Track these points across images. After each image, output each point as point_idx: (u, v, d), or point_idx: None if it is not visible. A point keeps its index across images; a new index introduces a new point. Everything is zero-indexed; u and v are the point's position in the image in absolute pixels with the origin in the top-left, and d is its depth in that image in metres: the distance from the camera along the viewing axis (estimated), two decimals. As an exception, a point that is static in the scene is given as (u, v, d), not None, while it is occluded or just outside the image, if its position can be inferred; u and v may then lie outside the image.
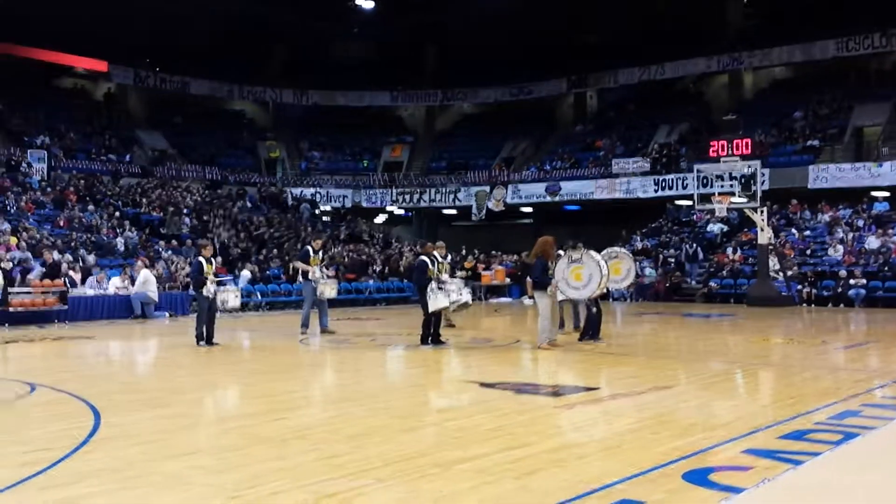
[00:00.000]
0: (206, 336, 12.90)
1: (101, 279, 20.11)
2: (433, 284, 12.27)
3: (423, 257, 13.15)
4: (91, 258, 21.92)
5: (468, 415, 7.07)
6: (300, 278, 16.11)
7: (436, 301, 12.15)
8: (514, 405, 7.49)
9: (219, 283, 13.54)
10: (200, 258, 13.16)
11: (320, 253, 15.91)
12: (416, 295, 14.45)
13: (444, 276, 13.44)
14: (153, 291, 19.68)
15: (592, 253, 11.86)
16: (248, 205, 33.82)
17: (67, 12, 32.70)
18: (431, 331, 12.51)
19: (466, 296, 12.96)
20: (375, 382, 9.81)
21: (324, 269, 15.93)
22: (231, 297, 13.64)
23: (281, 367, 11.07)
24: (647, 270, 26.69)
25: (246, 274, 23.77)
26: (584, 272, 11.65)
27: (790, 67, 36.67)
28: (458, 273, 17.14)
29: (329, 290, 15.20)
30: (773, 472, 4.83)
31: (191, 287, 16.52)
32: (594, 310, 12.82)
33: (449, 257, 16.14)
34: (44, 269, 19.05)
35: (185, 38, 36.41)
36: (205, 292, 12.86)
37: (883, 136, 30.36)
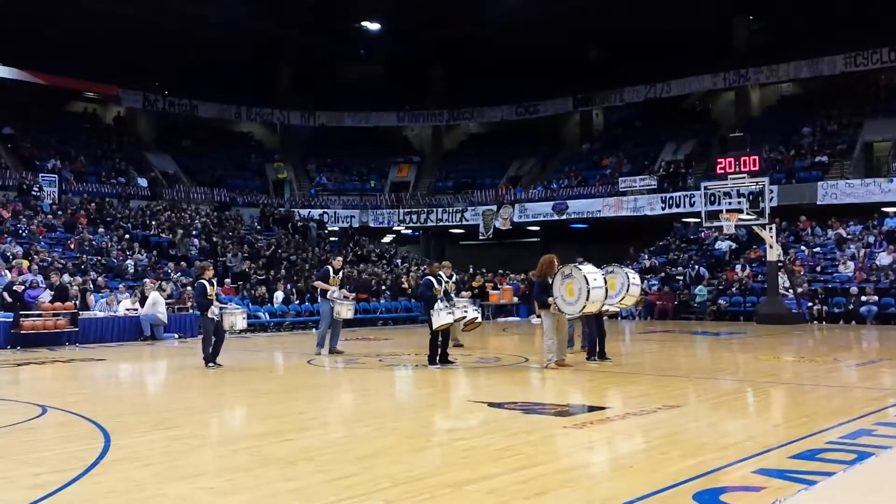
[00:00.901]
0: (212, 356, 12.91)
1: (111, 301, 20.19)
2: (439, 303, 12.28)
3: (429, 277, 13.13)
4: (150, 282, 21.97)
5: (477, 435, 7.05)
6: (319, 297, 15.96)
7: (439, 318, 12.15)
8: (522, 425, 7.46)
9: (222, 305, 13.57)
10: (203, 280, 13.12)
11: (340, 273, 15.78)
12: (424, 315, 14.43)
13: (452, 296, 13.42)
14: (162, 313, 19.72)
15: (582, 267, 11.84)
16: (258, 226, 33.98)
17: (78, 37, 33.07)
18: (439, 350, 12.49)
19: (473, 312, 12.99)
20: (384, 403, 9.80)
21: (344, 290, 15.83)
22: (239, 319, 13.63)
23: (289, 388, 11.07)
24: (698, 288, 26.11)
25: (279, 294, 24.49)
26: (574, 287, 11.64)
27: (798, 83, 36.73)
28: (464, 293, 17.07)
29: (346, 310, 15.11)
30: (785, 493, 4.78)
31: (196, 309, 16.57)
32: (598, 328, 12.75)
33: (454, 277, 16.14)
34: (52, 293, 19.11)
35: (194, 62, 36.77)
36: (209, 314, 12.88)
37: (893, 151, 30.32)
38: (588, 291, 11.44)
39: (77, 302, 19.15)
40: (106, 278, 22.60)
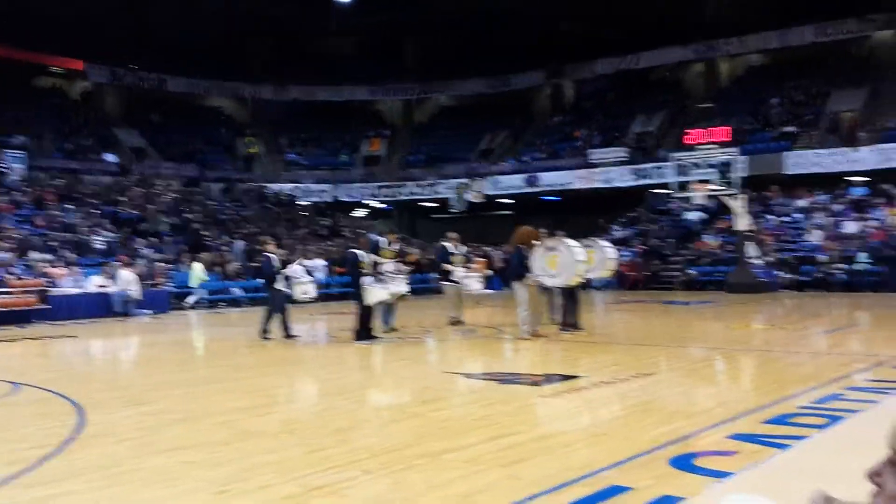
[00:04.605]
0: (285, 328, 12.91)
1: (74, 274, 19.95)
2: (369, 277, 12.11)
3: (355, 250, 12.69)
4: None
5: (453, 406, 7.10)
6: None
7: (373, 293, 12.01)
8: (499, 395, 7.52)
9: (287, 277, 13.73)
10: (268, 253, 13.33)
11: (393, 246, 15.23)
12: (354, 289, 13.89)
13: (390, 266, 13.25)
14: (135, 290, 19.56)
15: (567, 241, 11.91)
16: (228, 202, 33.70)
17: (42, 11, 32.36)
18: (369, 325, 12.18)
19: (404, 287, 13.10)
20: (361, 376, 9.83)
21: (399, 265, 15.41)
22: (310, 287, 14.14)
23: (267, 363, 11.05)
24: (860, 255, 23.80)
25: (321, 263, 25.07)
26: (559, 260, 11.73)
27: (766, 54, 36.83)
28: (472, 265, 16.62)
29: (402, 286, 14.77)
30: (758, 457, 4.88)
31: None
32: (571, 299, 12.83)
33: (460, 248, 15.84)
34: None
35: (162, 35, 36.16)
36: (278, 286, 12.95)
37: (860, 121, 30.61)
38: (575, 265, 11.58)
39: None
40: (75, 254, 22.32)
